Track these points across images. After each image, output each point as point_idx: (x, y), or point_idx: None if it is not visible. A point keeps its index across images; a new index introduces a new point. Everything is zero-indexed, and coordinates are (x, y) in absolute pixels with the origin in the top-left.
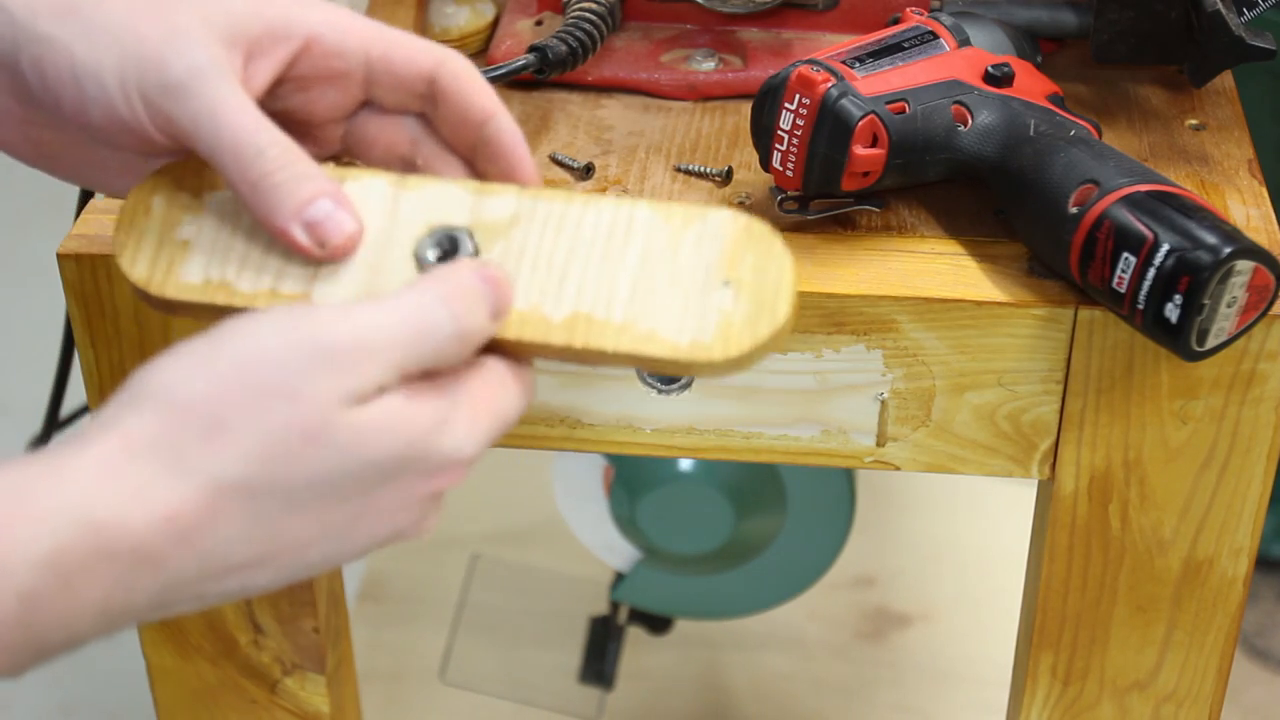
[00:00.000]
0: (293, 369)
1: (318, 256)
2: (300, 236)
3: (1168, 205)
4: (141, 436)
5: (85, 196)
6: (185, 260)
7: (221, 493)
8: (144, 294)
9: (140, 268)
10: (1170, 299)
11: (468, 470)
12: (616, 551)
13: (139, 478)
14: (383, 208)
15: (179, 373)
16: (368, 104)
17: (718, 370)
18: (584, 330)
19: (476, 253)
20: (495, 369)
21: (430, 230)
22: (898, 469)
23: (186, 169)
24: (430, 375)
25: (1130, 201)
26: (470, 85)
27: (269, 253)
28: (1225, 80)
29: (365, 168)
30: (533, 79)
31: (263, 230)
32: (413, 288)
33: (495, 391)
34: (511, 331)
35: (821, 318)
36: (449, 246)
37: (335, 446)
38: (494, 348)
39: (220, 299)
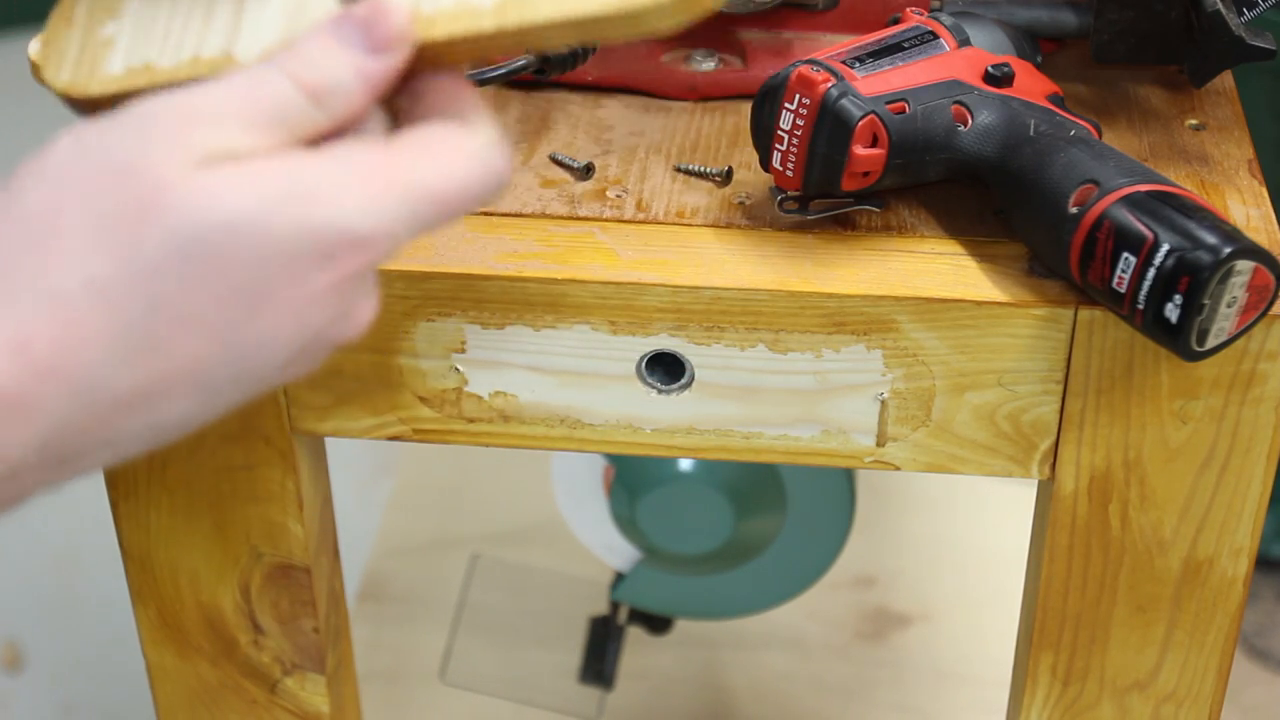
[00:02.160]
0: (119, 147)
1: None
2: None
3: (1168, 205)
4: None
5: None
6: (108, 56)
7: (71, 303)
8: (68, 99)
9: (64, 74)
10: (1170, 299)
11: (383, 251)
12: (616, 551)
13: None
14: None
15: (10, 191)
16: None
17: (665, 16)
18: (516, 7)
19: None
20: (417, 121)
21: None
22: (898, 469)
23: None
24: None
25: (1130, 201)
26: None
27: (188, 26)
28: (1225, 80)
29: None
30: (533, 79)
31: (183, 9)
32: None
33: (401, 153)
34: (438, 30)
35: (821, 318)
36: None
37: (185, 212)
38: (422, 65)
39: (142, 82)
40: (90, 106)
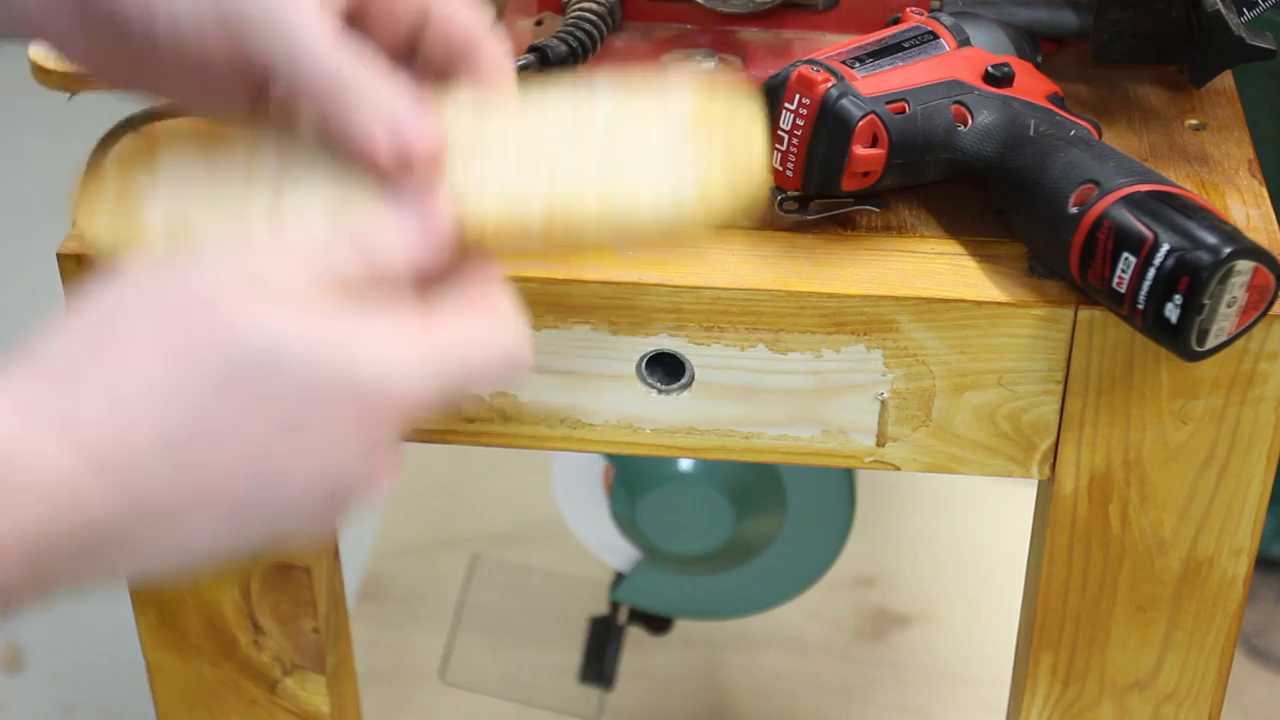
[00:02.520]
0: (189, 272)
1: (398, 172)
2: (383, 142)
3: (1168, 205)
4: (56, 359)
5: None
6: (145, 211)
7: (128, 406)
8: (103, 255)
9: (102, 230)
10: (1170, 299)
11: (412, 412)
12: (616, 551)
13: (55, 404)
14: None
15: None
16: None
17: (698, 230)
18: (561, 212)
19: None
20: (454, 303)
21: None
22: (898, 469)
23: (139, 139)
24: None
25: (1130, 201)
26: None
27: (229, 191)
28: (1225, 80)
29: None
30: None
31: (219, 172)
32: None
33: (441, 327)
34: (487, 236)
35: (821, 318)
36: None
37: (240, 333)
38: (470, 261)
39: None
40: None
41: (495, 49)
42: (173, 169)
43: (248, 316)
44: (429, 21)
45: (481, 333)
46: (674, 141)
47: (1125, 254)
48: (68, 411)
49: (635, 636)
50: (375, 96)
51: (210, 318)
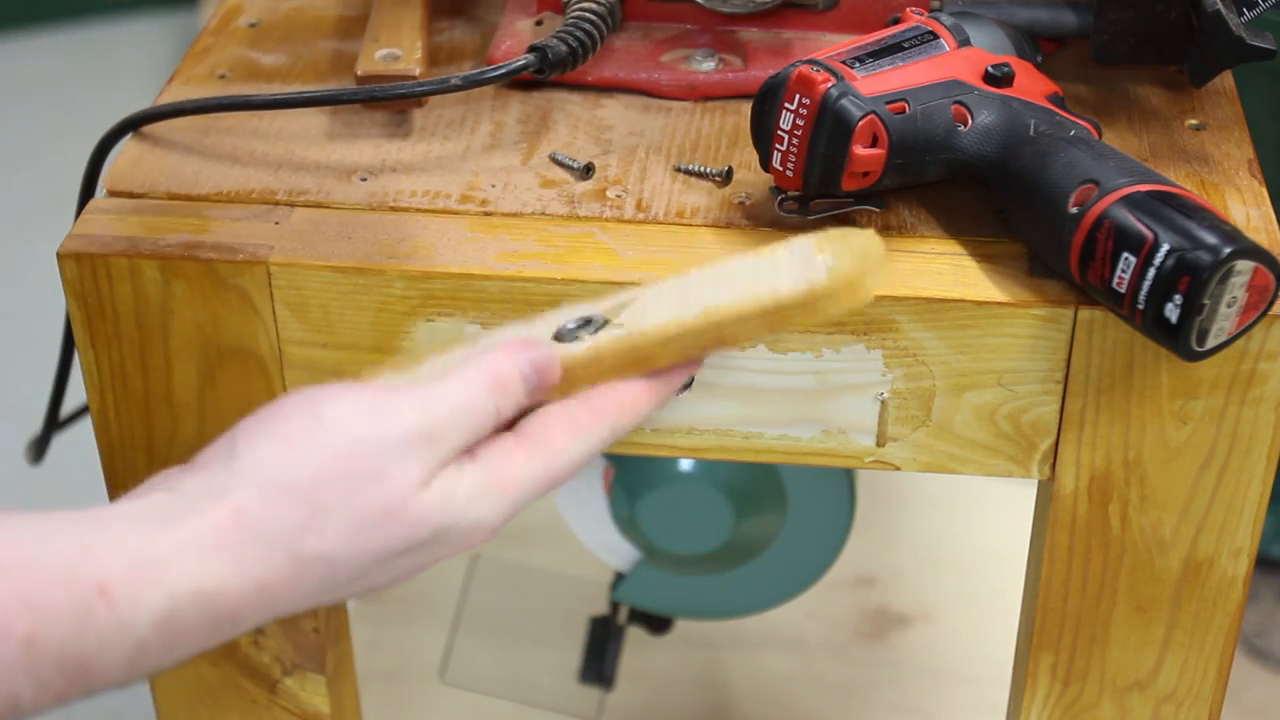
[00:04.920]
0: (380, 456)
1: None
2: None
3: (1168, 205)
4: (249, 515)
5: (85, 197)
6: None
7: (307, 564)
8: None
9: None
10: (1170, 299)
11: (486, 539)
12: (616, 551)
13: (242, 552)
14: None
15: (281, 457)
16: None
17: (841, 304)
18: (715, 314)
19: (605, 323)
20: (515, 442)
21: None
22: (898, 469)
23: None
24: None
25: (1130, 201)
26: None
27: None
28: (1225, 80)
29: None
30: (533, 79)
31: None
32: (463, 374)
33: (524, 464)
34: (578, 379)
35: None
36: (583, 322)
37: (408, 524)
38: (633, 366)
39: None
40: None
41: None
42: None
43: (418, 510)
44: None
45: (546, 472)
46: (802, 259)
47: (1125, 254)
48: (263, 563)
49: (635, 636)
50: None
51: (393, 513)
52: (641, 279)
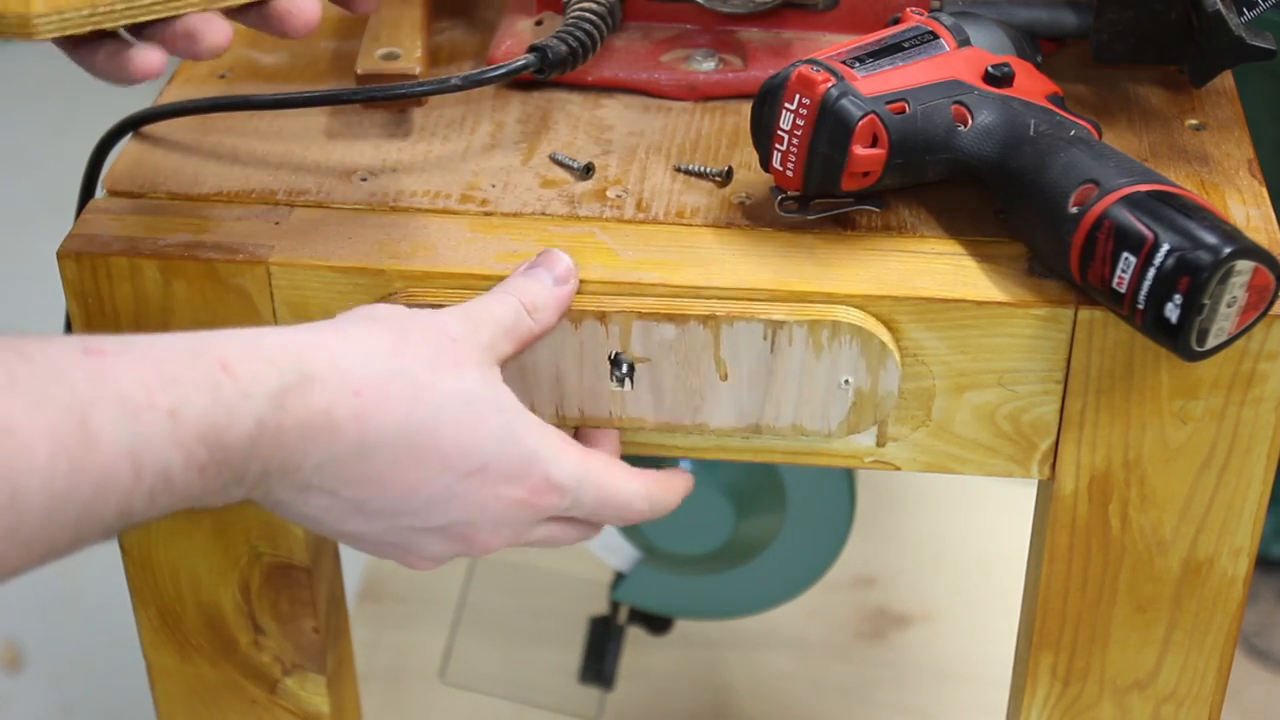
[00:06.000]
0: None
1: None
2: None
3: (1168, 205)
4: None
5: (85, 197)
6: None
7: (396, 376)
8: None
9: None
10: (1170, 299)
11: (558, 505)
12: (616, 551)
13: (342, 350)
14: None
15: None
16: None
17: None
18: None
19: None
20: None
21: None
22: (898, 469)
23: None
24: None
25: (1130, 201)
26: None
27: None
28: (1225, 80)
29: None
30: (533, 79)
31: None
32: (638, 476)
33: (596, 457)
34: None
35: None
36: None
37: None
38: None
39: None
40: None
41: None
42: None
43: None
44: None
45: (621, 481)
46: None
47: (1125, 254)
48: (359, 384)
49: (635, 636)
50: None
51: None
52: (641, 279)
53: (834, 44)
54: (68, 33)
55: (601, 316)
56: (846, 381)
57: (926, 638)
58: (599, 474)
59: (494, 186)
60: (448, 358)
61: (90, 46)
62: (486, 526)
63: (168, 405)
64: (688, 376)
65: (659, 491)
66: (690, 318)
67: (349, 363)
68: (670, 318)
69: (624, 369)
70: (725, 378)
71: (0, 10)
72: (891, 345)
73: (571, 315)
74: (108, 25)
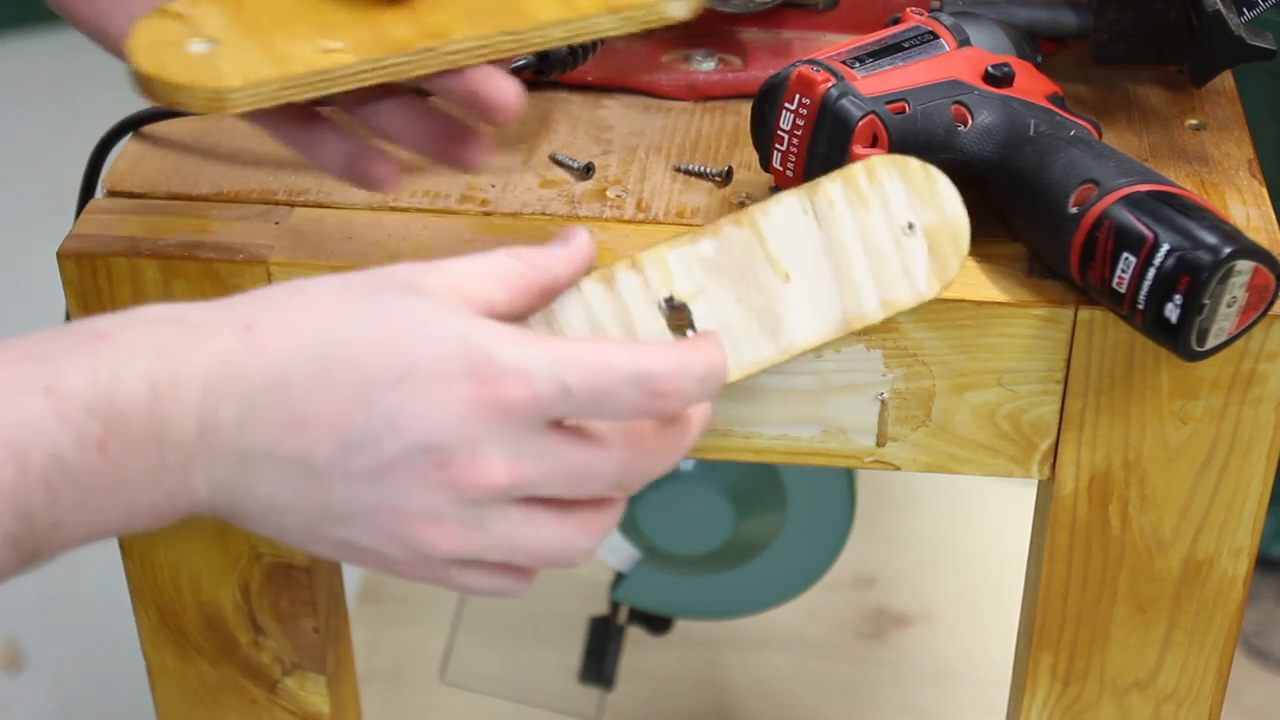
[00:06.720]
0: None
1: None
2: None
3: (1168, 205)
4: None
5: (85, 197)
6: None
7: (295, 324)
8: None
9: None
10: (1170, 299)
11: (526, 394)
12: (616, 551)
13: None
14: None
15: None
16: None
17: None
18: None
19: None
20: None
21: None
22: (898, 469)
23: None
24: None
25: (1130, 201)
26: None
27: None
28: (1225, 80)
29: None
30: (533, 79)
31: None
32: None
33: (587, 342)
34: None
35: None
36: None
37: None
38: None
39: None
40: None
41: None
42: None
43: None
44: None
45: (623, 355)
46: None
47: (1125, 254)
48: (250, 319)
49: (635, 636)
50: None
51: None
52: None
53: (834, 44)
54: (259, 105)
55: (634, 263)
56: (911, 225)
57: (926, 638)
58: (575, 351)
59: (494, 187)
60: (362, 281)
61: (285, 119)
62: (460, 449)
63: (42, 382)
64: (748, 293)
65: (685, 352)
66: (723, 225)
67: (237, 303)
68: (703, 233)
69: (683, 312)
70: (787, 279)
71: (191, 84)
72: (931, 169)
73: (602, 275)
74: (298, 98)
